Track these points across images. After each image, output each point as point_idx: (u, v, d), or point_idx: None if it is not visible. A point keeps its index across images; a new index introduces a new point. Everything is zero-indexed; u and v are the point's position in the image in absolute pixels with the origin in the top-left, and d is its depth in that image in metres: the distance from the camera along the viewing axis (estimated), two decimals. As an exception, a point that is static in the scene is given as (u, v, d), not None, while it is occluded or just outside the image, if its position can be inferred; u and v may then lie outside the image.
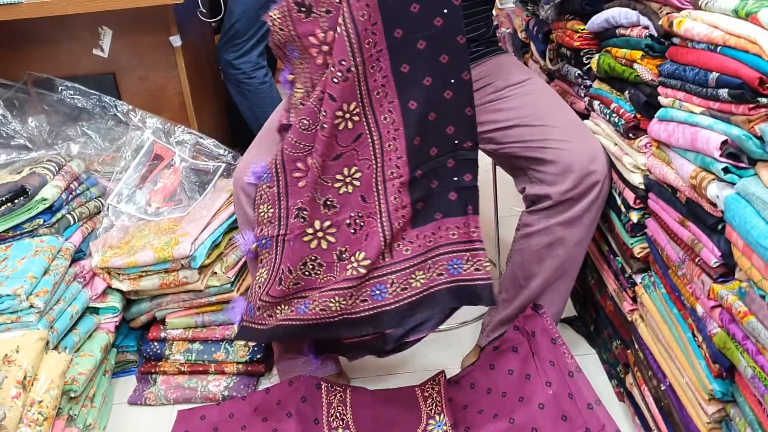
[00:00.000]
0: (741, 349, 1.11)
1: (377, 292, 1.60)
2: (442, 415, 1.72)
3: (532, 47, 2.27)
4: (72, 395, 1.66)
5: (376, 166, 1.59)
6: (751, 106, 1.08)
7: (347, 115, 1.54)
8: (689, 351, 1.30)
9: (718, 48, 1.17)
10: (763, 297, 1.04)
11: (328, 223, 1.59)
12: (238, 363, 1.93)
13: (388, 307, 1.60)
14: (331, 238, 1.60)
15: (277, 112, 1.77)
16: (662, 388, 1.44)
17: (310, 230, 1.59)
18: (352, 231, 1.60)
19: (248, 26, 2.62)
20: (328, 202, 1.59)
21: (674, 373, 1.38)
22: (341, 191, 1.59)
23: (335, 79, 1.49)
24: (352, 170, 1.59)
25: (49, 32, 2.26)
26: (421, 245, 1.62)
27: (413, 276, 1.61)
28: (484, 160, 1.94)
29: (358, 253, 1.59)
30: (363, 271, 1.58)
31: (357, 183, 1.59)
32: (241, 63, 2.68)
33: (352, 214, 1.60)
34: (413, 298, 1.61)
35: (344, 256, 1.60)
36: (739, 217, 1.07)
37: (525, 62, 2.37)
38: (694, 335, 1.29)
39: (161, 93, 2.38)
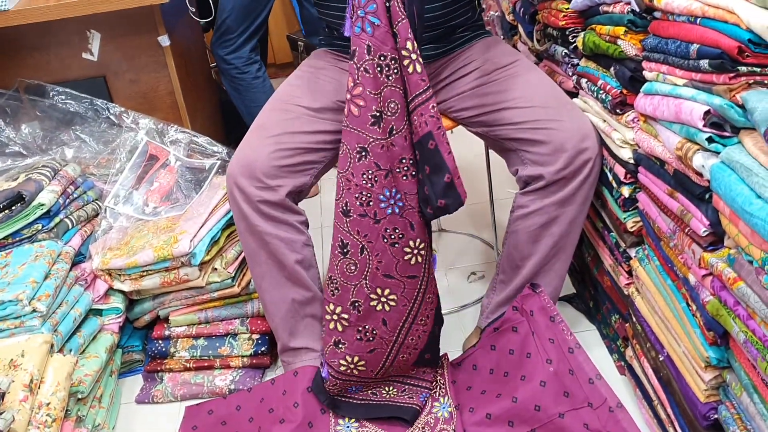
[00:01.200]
0: (733, 315, 1.13)
1: None
2: (446, 398, 1.73)
3: (520, 29, 2.27)
4: (79, 396, 1.68)
5: (412, 307, 1.65)
6: (732, 75, 1.10)
7: (416, 250, 1.60)
8: (684, 320, 1.32)
9: (698, 20, 1.18)
10: (751, 262, 1.06)
11: (345, 315, 1.64)
12: (243, 356, 1.95)
13: None
14: (339, 326, 1.66)
15: (267, 105, 1.78)
16: (660, 359, 1.46)
17: (329, 307, 1.65)
18: (358, 338, 1.66)
19: (239, 22, 2.63)
20: (357, 304, 1.63)
21: (671, 343, 1.40)
22: (371, 303, 1.63)
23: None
24: (387, 293, 1.63)
25: (38, 38, 2.27)
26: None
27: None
28: (477, 144, 1.95)
29: (356, 357, 1.68)
30: (356, 372, 1.69)
31: (388, 308, 1.63)
32: (233, 58, 2.69)
33: (368, 327, 1.65)
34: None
35: (340, 347, 1.67)
36: (724, 185, 1.08)
37: (514, 45, 2.38)
38: (688, 304, 1.31)
39: (153, 93, 2.39)
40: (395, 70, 1.45)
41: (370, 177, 1.52)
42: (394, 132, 1.49)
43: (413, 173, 1.54)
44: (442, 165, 1.49)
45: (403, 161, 1.52)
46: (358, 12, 1.42)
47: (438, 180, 1.50)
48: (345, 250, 1.59)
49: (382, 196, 1.53)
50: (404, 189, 1.54)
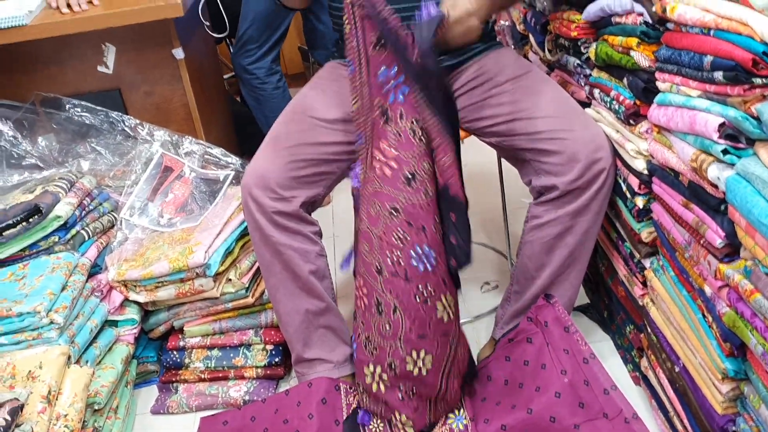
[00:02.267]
0: (750, 327, 1.12)
1: None
2: (461, 409, 1.73)
3: (531, 39, 2.27)
4: (96, 408, 1.69)
5: (445, 365, 1.64)
6: (746, 87, 1.10)
7: (447, 307, 1.62)
8: (700, 332, 1.32)
9: (711, 31, 1.18)
10: (768, 274, 1.05)
11: (384, 376, 1.63)
12: (257, 367, 1.95)
13: None
14: (382, 387, 1.65)
15: (281, 117, 1.79)
16: (676, 370, 1.45)
17: (368, 369, 1.65)
18: (401, 398, 1.64)
19: (260, 32, 2.64)
20: (393, 365, 1.61)
21: (687, 354, 1.39)
22: (408, 368, 1.61)
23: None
24: (424, 355, 1.61)
25: (54, 52, 2.29)
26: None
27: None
28: (489, 153, 1.95)
29: (404, 416, 1.65)
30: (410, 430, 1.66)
31: (425, 372, 1.62)
32: (254, 68, 2.70)
33: (408, 384, 1.63)
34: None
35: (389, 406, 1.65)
36: (740, 197, 1.08)
37: (525, 54, 2.38)
38: (704, 316, 1.31)
39: (167, 105, 2.41)
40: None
41: (400, 236, 1.54)
42: (429, 194, 1.55)
43: (443, 230, 1.58)
44: (462, 208, 1.57)
45: (437, 218, 1.56)
46: (391, 83, 1.53)
47: (464, 225, 1.58)
48: (380, 309, 1.59)
49: (413, 252, 1.54)
50: (437, 246, 1.57)
